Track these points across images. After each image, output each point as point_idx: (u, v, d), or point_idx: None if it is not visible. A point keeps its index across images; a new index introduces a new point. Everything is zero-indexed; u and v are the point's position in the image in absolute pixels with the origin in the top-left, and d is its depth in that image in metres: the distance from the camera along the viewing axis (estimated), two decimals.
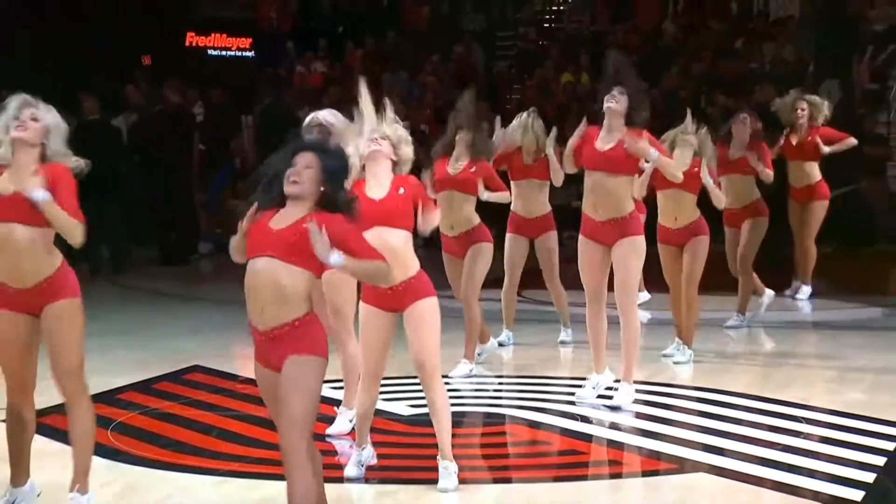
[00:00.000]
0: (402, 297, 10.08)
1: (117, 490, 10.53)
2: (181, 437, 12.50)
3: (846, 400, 13.36)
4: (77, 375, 9.29)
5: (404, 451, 11.53)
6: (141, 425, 12.72)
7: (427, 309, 10.35)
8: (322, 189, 8.40)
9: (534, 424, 12.75)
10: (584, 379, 13.52)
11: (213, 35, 32.30)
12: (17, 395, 9.37)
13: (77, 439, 9.07)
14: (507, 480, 11.25)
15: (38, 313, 9.30)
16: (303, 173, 8.28)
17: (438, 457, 10.49)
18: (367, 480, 10.92)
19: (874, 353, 15.81)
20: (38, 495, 9.24)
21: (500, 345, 16.69)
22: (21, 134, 9.39)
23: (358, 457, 10.98)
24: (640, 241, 13.19)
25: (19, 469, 9.79)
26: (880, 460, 11.19)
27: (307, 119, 12.31)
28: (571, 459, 11.74)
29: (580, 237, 13.16)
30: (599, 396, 13.00)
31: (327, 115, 12.55)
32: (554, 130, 15.96)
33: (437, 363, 10.62)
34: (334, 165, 8.56)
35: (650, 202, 15.62)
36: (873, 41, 30.17)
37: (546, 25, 34.15)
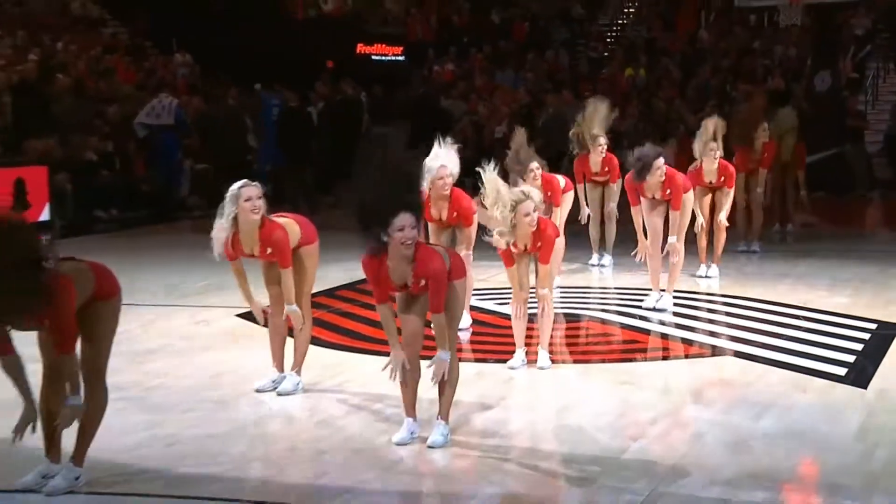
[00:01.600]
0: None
1: (317, 370, 10.44)
2: (357, 328, 12.57)
3: (835, 302, 13.41)
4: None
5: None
6: (329, 320, 12.76)
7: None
8: None
9: (605, 321, 12.84)
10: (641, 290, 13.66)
11: (375, 45, 32.30)
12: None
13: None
14: (587, 361, 11.24)
15: None
16: (410, 233, 7.75)
17: (539, 347, 10.59)
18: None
19: (856, 269, 15.77)
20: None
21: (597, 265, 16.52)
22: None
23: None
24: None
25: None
26: (858, 346, 11.27)
27: (437, 166, 11.14)
28: (633, 346, 11.79)
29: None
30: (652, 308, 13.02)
31: (453, 168, 11.69)
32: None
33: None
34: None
35: None
36: (854, 42, 29.84)
37: (613, 34, 33.85)
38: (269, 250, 9.51)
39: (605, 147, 15.56)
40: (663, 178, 12.50)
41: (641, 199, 12.87)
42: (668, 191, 12.66)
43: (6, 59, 25.47)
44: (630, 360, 11.34)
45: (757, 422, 8.88)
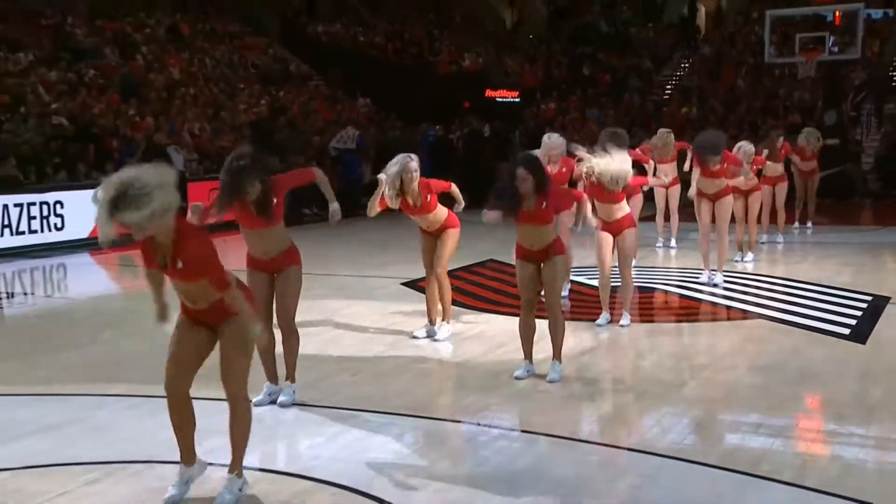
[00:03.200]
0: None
1: (460, 325, 10.47)
2: (484, 293, 12.60)
3: (840, 280, 13.19)
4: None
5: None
6: (465, 288, 12.73)
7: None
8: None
9: (667, 292, 12.79)
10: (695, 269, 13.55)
11: (499, 90, 32.30)
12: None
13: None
14: (651, 321, 11.19)
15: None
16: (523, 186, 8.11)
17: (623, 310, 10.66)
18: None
19: (855, 256, 15.57)
20: None
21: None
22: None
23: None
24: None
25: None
26: (858, 312, 11.19)
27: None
28: (688, 312, 11.67)
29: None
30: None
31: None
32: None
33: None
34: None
35: None
36: (853, 90, 29.45)
37: (673, 83, 33.49)
38: (428, 197, 9.46)
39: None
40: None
41: (697, 196, 12.81)
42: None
43: (247, 104, 26.00)
44: (687, 322, 11.28)
45: (782, 368, 8.87)
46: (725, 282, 13.10)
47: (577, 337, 9.88)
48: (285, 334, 7.70)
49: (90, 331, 10.98)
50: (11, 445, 6.78)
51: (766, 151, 15.93)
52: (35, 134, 19.43)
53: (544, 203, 8.28)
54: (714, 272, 13.01)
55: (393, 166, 9.41)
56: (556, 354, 8.56)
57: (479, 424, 7.38)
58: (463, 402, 8.15)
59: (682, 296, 12.57)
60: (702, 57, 34.66)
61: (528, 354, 8.58)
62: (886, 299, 11.94)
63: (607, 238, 10.49)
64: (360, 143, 24.45)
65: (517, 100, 32.33)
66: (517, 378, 8.48)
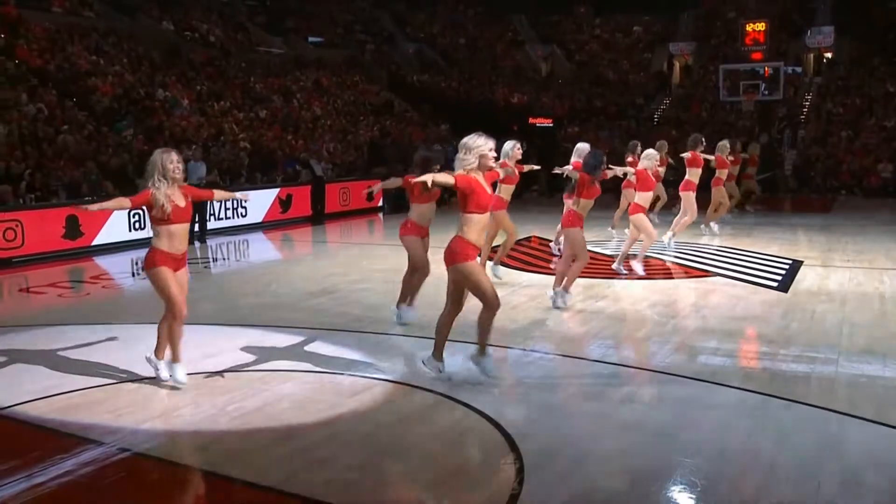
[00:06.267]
0: None
1: (508, 288, 10.09)
2: (530, 261, 12.21)
3: (772, 249, 12.93)
4: None
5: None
6: (519, 256, 12.33)
7: None
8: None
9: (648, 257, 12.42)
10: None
11: (538, 118, 32.05)
12: None
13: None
14: (654, 279, 10.73)
15: None
16: None
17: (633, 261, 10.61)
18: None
19: (780, 233, 15.17)
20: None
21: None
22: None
23: None
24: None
25: None
26: (783, 271, 11.10)
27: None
28: (664, 273, 11.32)
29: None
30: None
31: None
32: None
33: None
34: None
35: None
36: (778, 120, 29.17)
37: (659, 113, 33.17)
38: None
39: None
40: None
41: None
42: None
43: (364, 130, 26.22)
44: (663, 280, 10.80)
45: (732, 309, 8.86)
46: (690, 250, 12.81)
47: (585, 286, 9.97)
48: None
49: (261, 284, 11.15)
50: (226, 355, 6.99)
51: (731, 157, 15.67)
52: (229, 154, 19.90)
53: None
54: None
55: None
56: (568, 286, 8.81)
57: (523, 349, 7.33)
58: (511, 326, 7.91)
59: (662, 261, 12.07)
60: (677, 96, 34.26)
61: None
62: (801, 262, 11.85)
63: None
64: (448, 153, 24.29)
65: (551, 125, 32.21)
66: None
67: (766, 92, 29.79)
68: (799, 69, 33.13)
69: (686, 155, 13.65)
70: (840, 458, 4.80)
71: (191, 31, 28.26)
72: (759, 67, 30.58)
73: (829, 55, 33.54)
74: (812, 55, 33.63)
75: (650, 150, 10.99)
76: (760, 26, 32.71)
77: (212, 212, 16.57)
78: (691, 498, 4.37)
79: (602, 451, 4.97)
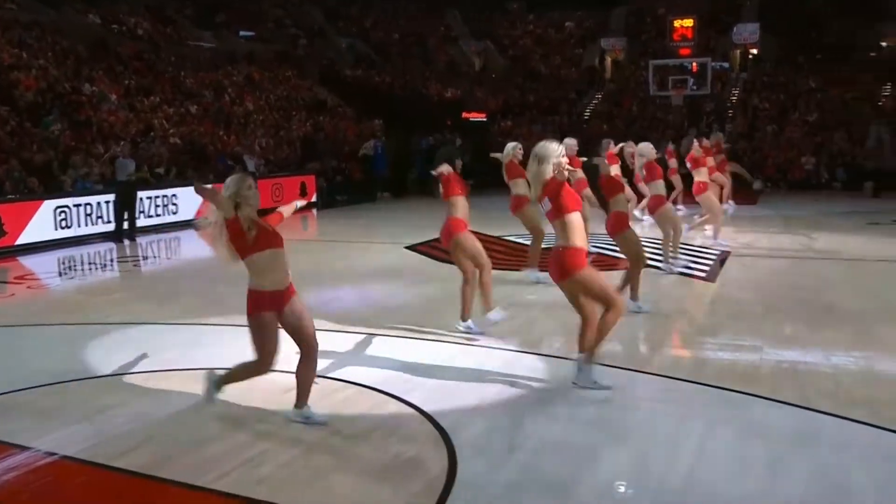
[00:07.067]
0: None
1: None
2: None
3: (698, 242, 12.91)
4: None
5: None
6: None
7: None
8: None
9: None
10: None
11: (472, 112, 32.22)
12: None
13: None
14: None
15: None
16: None
17: None
18: None
19: (742, 223, 15.52)
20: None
21: None
22: None
23: None
24: None
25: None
26: (711, 262, 11.22)
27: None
28: (600, 265, 11.23)
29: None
30: None
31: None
32: None
33: None
34: None
35: None
36: (706, 114, 29.86)
37: (591, 108, 33.60)
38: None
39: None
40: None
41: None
42: None
43: (297, 126, 25.98)
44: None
45: (662, 299, 8.89)
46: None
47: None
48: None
49: (197, 282, 11.01)
50: (159, 355, 6.91)
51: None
52: (159, 150, 19.55)
53: None
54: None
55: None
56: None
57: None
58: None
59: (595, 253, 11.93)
60: (608, 91, 34.71)
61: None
62: (728, 253, 12.09)
63: None
64: (378, 149, 24.27)
65: (485, 119, 32.35)
66: None
67: (695, 87, 30.47)
68: (726, 65, 33.92)
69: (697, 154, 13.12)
70: (765, 442, 4.95)
71: (118, 25, 27.62)
72: (688, 63, 31.26)
73: (754, 52, 34.41)
74: (739, 52, 34.46)
75: (644, 144, 10.64)
76: (688, 23, 33.47)
77: (142, 209, 16.25)
78: (622, 484, 4.46)
79: (535, 440, 5.03)
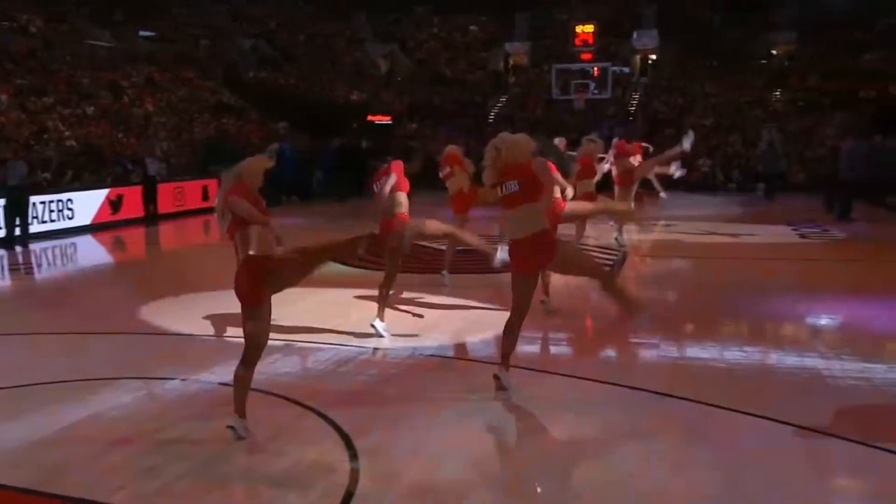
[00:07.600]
0: None
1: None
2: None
3: (603, 241, 13.14)
4: None
5: None
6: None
7: None
8: None
9: None
10: None
11: (378, 115, 32.06)
12: None
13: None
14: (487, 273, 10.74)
15: None
16: None
17: None
18: None
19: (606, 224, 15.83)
20: None
21: None
22: None
23: None
24: None
25: None
26: (611, 262, 11.31)
27: None
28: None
29: None
30: None
31: None
32: None
33: None
34: None
35: None
36: (608, 118, 30.46)
37: (495, 112, 33.92)
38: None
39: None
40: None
41: None
42: None
43: (200, 128, 25.39)
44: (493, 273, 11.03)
45: (565, 298, 8.79)
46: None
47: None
48: None
49: (93, 287, 10.72)
50: (51, 366, 6.64)
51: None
52: (55, 153, 18.87)
53: None
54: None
55: None
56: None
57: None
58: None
59: None
60: (513, 94, 35.10)
61: None
62: (626, 253, 12.33)
63: None
64: (285, 151, 23.71)
65: (390, 122, 32.33)
66: None
67: (596, 91, 31.07)
68: (627, 70, 34.79)
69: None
70: (666, 437, 5.04)
71: (8, 21, 26.53)
72: (589, 67, 31.88)
73: (654, 57, 35.41)
74: (639, 57, 35.41)
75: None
76: (590, 28, 34.14)
77: (35, 214, 15.63)
78: (523, 481, 4.48)
79: (437, 442, 5.02)
